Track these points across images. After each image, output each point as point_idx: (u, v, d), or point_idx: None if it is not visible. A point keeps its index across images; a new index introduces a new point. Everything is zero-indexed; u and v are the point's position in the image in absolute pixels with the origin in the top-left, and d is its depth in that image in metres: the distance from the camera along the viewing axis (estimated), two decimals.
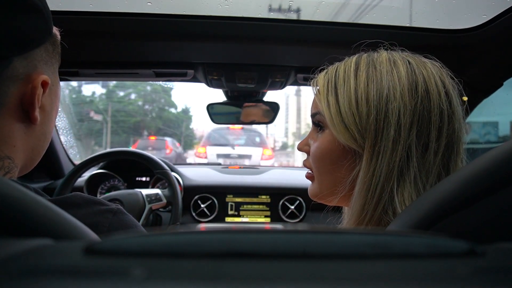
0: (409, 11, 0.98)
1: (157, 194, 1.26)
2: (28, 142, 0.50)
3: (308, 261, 0.18)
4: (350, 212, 0.53)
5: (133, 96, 16.15)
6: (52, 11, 0.50)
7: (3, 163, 0.47)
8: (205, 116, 1.31)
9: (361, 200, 0.50)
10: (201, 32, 0.93)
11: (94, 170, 1.56)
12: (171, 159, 10.02)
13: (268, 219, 1.53)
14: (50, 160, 1.48)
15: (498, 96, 1.09)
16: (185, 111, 19.53)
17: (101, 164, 1.57)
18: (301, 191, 1.52)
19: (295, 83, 1.20)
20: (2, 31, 0.43)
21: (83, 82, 6.11)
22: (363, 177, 0.49)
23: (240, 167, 1.86)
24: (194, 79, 1.18)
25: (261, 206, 1.54)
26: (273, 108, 1.31)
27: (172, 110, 18.35)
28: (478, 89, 1.06)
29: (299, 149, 0.62)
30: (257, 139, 9.07)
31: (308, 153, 0.60)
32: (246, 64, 1.08)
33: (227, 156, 8.02)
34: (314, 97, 0.58)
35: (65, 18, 0.87)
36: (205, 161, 7.59)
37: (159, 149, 10.71)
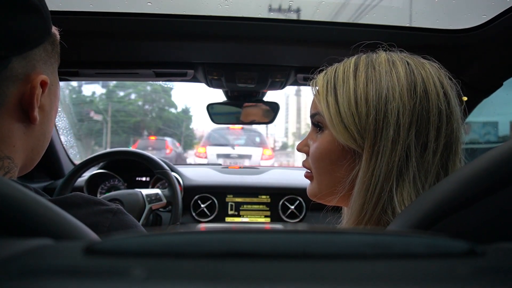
0: (409, 11, 0.98)
1: (157, 194, 1.26)
2: (27, 142, 0.50)
3: (308, 261, 0.18)
4: (349, 212, 0.53)
5: (133, 96, 16.17)
6: (52, 11, 0.50)
7: (2, 163, 0.47)
8: (205, 116, 1.31)
9: (361, 200, 0.50)
10: (201, 32, 0.93)
11: (94, 170, 1.56)
12: (171, 159, 10.02)
13: (268, 219, 1.53)
14: (50, 160, 1.48)
15: (498, 96, 1.09)
16: (185, 111, 19.54)
17: (101, 164, 1.57)
18: (301, 191, 1.51)
19: (295, 83, 1.20)
20: (0, 31, 0.43)
21: (83, 82, 6.11)
22: (363, 177, 0.50)
23: (240, 167, 1.86)
24: (194, 79, 1.18)
25: (261, 206, 1.54)
26: (273, 108, 1.31)
27: (172, 110, 18.36)
28: (478, 89, 1.06)
29: (299, 149, 0.62)
30: (257, 139, 9.06)
31: (307, 153, 0.60)
32: (246, 64, 1.08)
33: (227, 156, 8.00)
34: (314, 98, 0.58)
35: (65, 18, 0.87)
36: (205, 161, 7.58)
37: (159, 149, 10.71)
